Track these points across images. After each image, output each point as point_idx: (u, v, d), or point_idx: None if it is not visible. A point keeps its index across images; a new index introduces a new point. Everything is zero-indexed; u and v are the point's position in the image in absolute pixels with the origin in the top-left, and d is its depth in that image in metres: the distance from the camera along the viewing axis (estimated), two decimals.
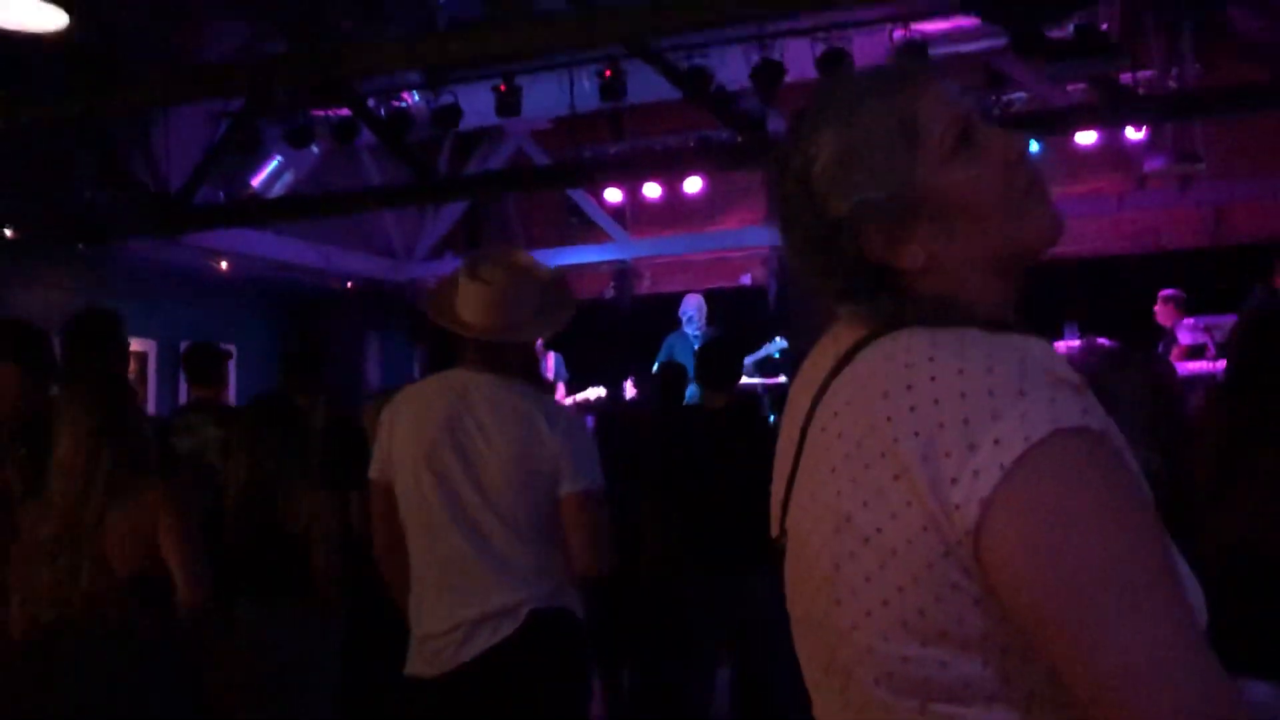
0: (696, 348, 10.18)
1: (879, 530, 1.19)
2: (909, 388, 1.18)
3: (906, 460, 1.15)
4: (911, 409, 1.17)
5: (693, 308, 10.69)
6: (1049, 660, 1.12)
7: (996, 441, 1.10)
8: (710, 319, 10.79)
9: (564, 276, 3.57)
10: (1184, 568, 1.16)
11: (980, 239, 1.30)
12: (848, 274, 1.34)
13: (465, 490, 3.20)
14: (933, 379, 1.17)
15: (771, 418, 7.61)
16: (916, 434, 1.15)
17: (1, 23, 5.51)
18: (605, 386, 10.55)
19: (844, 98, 1.35)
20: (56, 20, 5.51)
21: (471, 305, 3.29)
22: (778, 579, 1.44)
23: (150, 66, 7.83)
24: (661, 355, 10.47)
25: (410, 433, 3.29)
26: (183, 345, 11.43)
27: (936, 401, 1.15)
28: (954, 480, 1.12)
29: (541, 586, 3.20)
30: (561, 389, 10.72)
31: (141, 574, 3.42)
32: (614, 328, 13.20)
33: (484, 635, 3.14)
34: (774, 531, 1.43)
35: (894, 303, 1.31)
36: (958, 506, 1.12)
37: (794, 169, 1.36)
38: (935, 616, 1.16)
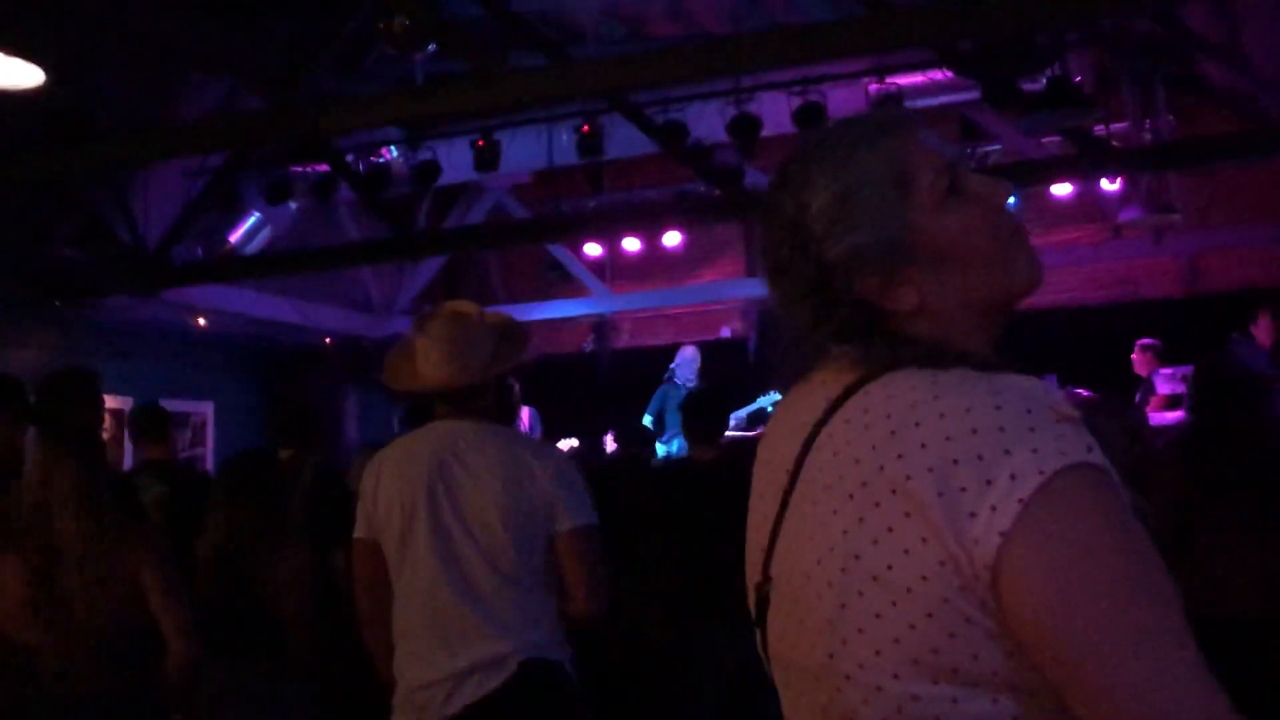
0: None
1: (890, 567, 1.18)
2: (917, 425, 1.19)
3: (920, 496, 1.16)
4: (922, 446, 1.18)
5: (687, 359, 10.70)
6: (1063, 694, 1.12)
7: (1012, 476, 1.11)
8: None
9: (511, 317, 3.59)
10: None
11: (969, 283, 1.33)
12: (841, 317, 1.35)
13: (456, 538, 3.17)
14: (941, 416, 1.18)
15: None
16: (930, 470, 1.16)
17: None
18: (585, 439, 10.53)
19: (835, 146, 1.38)
20: (33, 77, 5.51)
21: (427, 360, 3.30)
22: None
23: (128, 124, 7.84)
24: (653, 406, 10.46)
25: (396, 487, 3.26)
26: (160, 403, 11.48)
27: (948, 438, 1.16)
28: (972, 515, 1.13)
29: (532, 636, 3.16)
30: None
31: (119, 630, 3.36)
32: (593, 381, 13.20)
33: (471, 687, 3.09)
34: (755, 578, 1.43)
35: (887, 345, 1.32)
36: (976, 541, 1.12)
37: (785, 215, 1.38)
38: (948, 653, 1.16)
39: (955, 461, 1.14)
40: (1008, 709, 1.16)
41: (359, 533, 3.37)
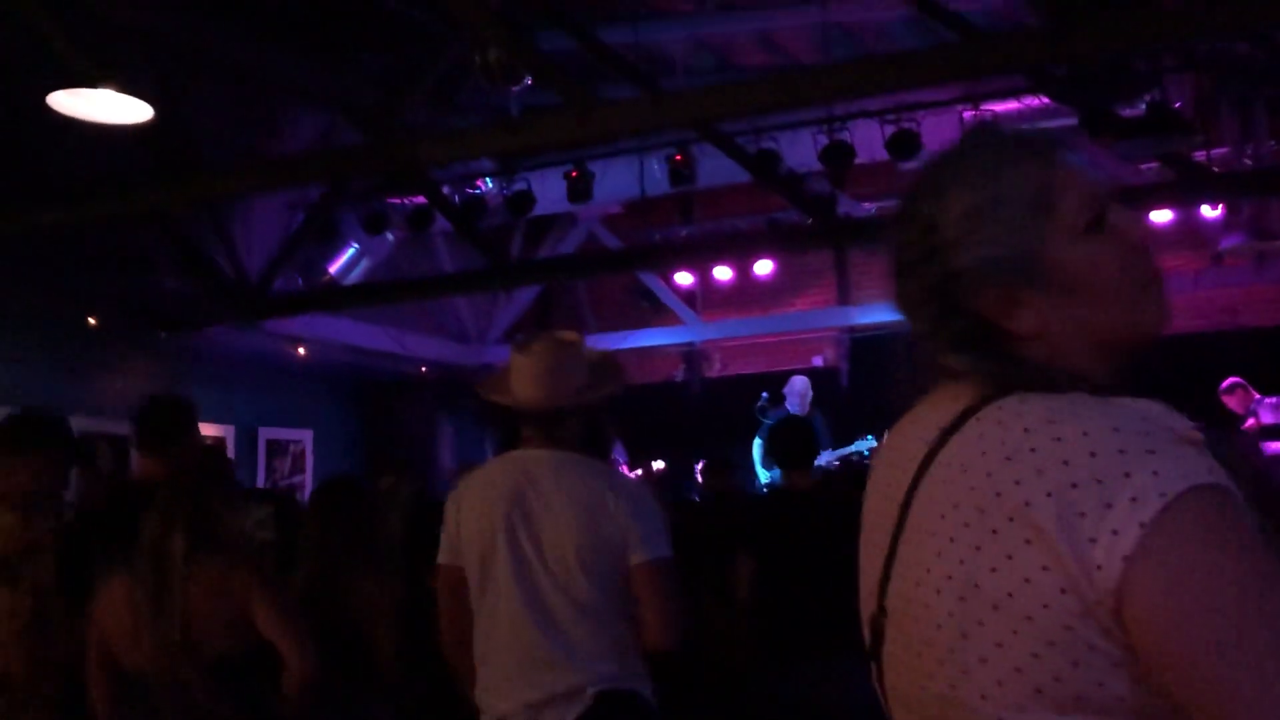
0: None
1: (1010, 595, 1.17)
2: (1033, 450, 1.18)
3: (1040, 523, 1.14)
4: (1039, 472, 1.16)
5: (797, 390, 10.69)
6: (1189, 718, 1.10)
7: (1133, 499, 1.09)
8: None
9: (611, 352, 3.61)
10: None
11: (1093, 318, 1.30)
12: (957, 328, 1.34)
13: (534, 568, 3.18)
14: (1058, 440, 1.16)
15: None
16: (1049, 495, 1.14)
17: (89, 116, 5.68)
18: (674, 468, 10.56)
19: (983, 156, 1.36)
20: (141, 113, 5.67)
21: (522, 379, 3.33)
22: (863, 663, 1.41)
23: (230, 158, 8.04)
24: (761, 434, 10.47)
25: (476, 515, 3.29)
26: (261, 431, 11.72)
27: (1066, 463, 1.14)
28: (1092, 540, 1.11)
29: (609, 667, 3.15)
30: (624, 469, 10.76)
31: (226, 655, 3.40)
32: (684, 410, 13.19)
33: (550, 718, 3.10)
34: (870, 610, 1.40)
35: (999, 364, 1.31)
36: (1099, 567, 1.10)
37: (921, 217, 1.37)
38: (1072, 681, 1.14)
39: (1074, 486, 1.13)
40: None
41: (442, 559, 3.40)
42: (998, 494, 1.19)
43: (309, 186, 9.97)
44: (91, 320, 9.61)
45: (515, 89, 8.89)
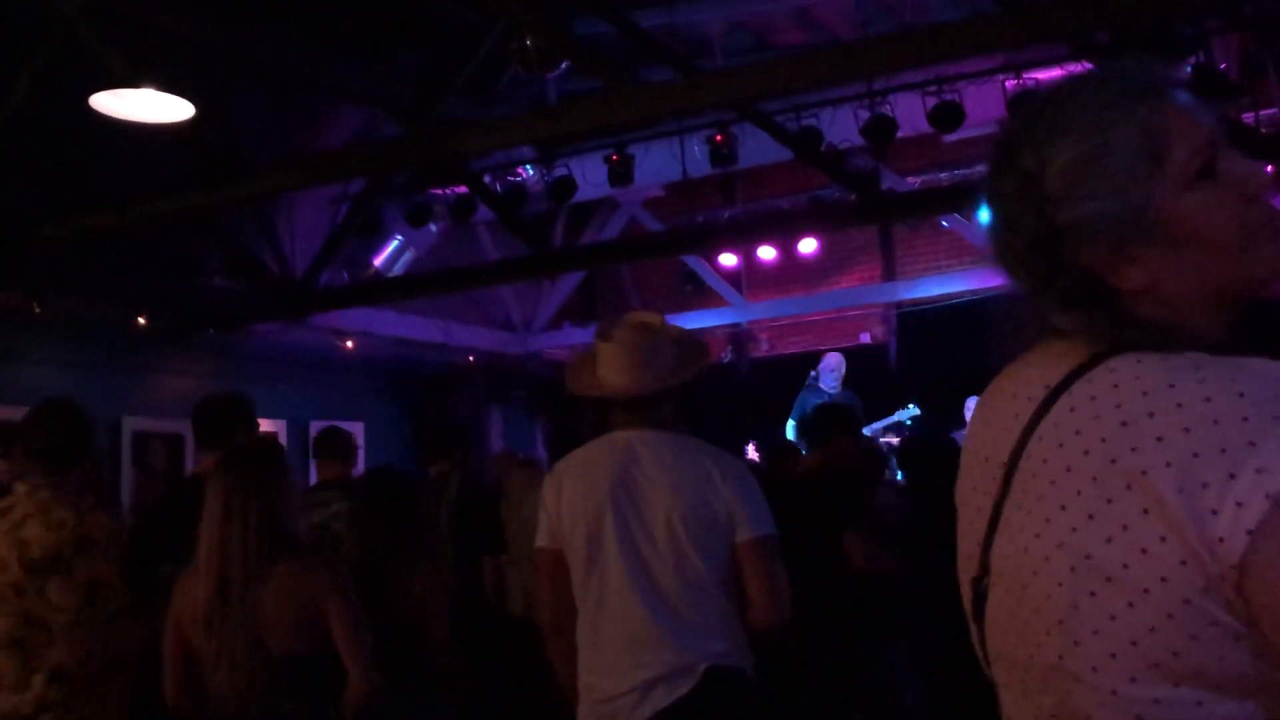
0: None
1: (1125, 567, 1.13)
2: (1151, 415, 1.14)
3: (1159, 492, 1.10)
4: (1159, 439, 1.12)
5: (831, 366, 10.66)
6: None
7: (1259, 470, 1.05)
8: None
9: (691, 331, 3.60)
10: None
11: (1206, 271, 1.25)
12: (1064, 285, 1.28)
13: (642, 546, 3.18)
14: (1179, 405, 1.12)
15: (900, 475, 7.51)
16: (1168, 464, 1.10)
17: (130, 115, 5.73)
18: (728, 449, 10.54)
19: (1088, 103, 1.29)
20: (183, 111, 5.71)
21: (611, 367, 3.33)
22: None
23: (272, 155, 8.07)
24: (795, 412, 10.46)
25: (580, 496, 3.28)
26: (311, 425, 11.80)
27: (1187, 430, 1.10)
28: (1215, 512, 1.06)
29: (717, 644, 3.15)
30: None
31: (294, 654, 3.40)
32: (732, 391, 13.17)
33: (659, 694, 3.09)
34: (971, 572, 1.37)
35: (1110, 321, 1.26)
36: (1221, 540, 1.06)
37: (1024, 168, 1.30)
38: (1191, 656, 1.10)
39: (1195, 455, 1.08)
40: (1259, 711, 1.11)
41: (541, 542, 3.38)
42: (1113, 461, 1.15)
43: (351, 181, 10.01)
44: (141, 321, 9.71)
45: (552, 76, 8.90)
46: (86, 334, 9.54)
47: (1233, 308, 1.27)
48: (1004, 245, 1.34)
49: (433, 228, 11.16)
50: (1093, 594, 1.16)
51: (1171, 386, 1.14)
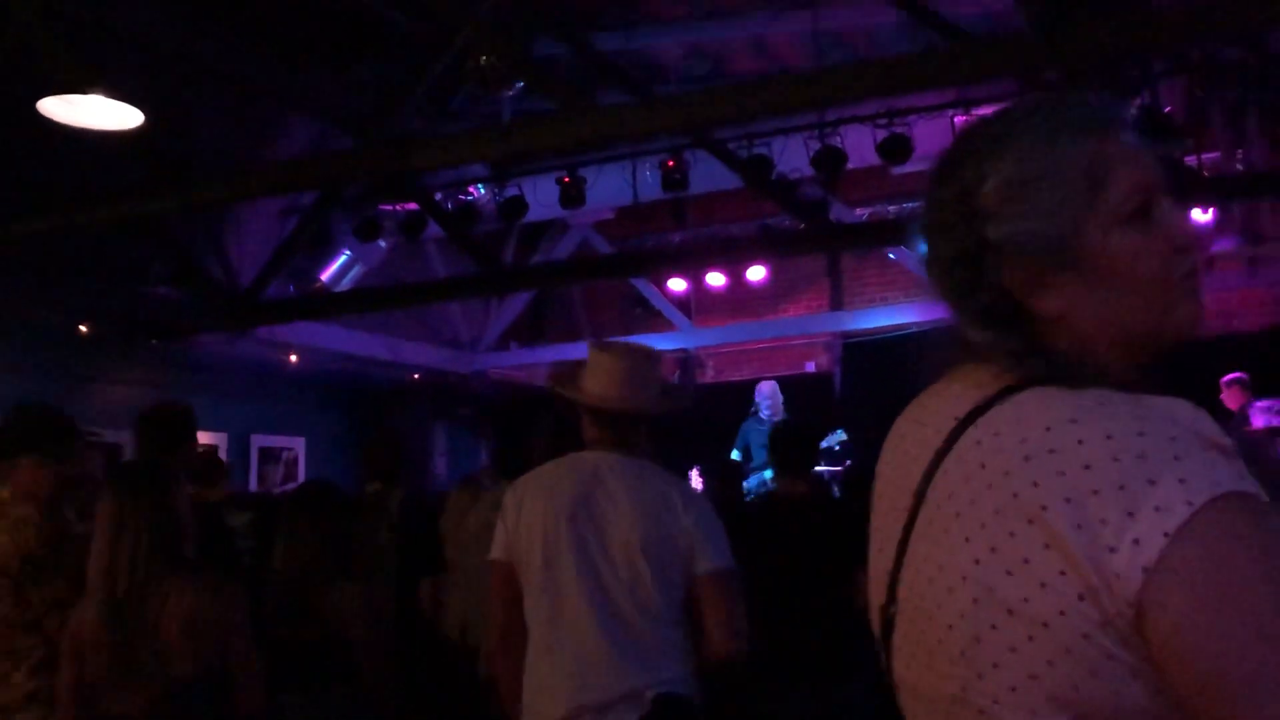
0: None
1: (1026, 600, 1.13)
2: (1052, 451, 1.14)
3: (1058, 528, 1.11)
4: (1060, 474, 1.12)
5: (766, 393, 10.68)
6: None
7: (1157, 508, 1.06)
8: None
9: (681, 383, 3.62)
10: None
11: (1121, 312, 1.26)
12: (982, 300, 1.30)
13: (601, 570, 3.16)
14: (1080, 442, 1.12)
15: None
16: (1068, 500, 1.11)
17: (78, 122, 5.67)
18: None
19: (1037, 126, 1.30)
20: (131, 119, 5.66)
21: (601, 377, 3.33)
22: (871, 687, 1.38)
23: (222, 164, 8.02)
24: (739, 442, 10.45)
25: (540, 514, 3.26)
26: (253, 438, 11.71)
27: (1087, 467, 1.10)
28: (1113, 549, 1.07)
29: (668, 672, 3.13)
30: None
31: (189, 676, 3.32)
32: (678, 417, 13.15)
33: None
34: (880, 599, 1.37)
35: (1021, 345, 1.27)
36: (1118, 576, 1.07)
37: (963, 178, 1.31)
38: (1089, 691, 1.11)
39: (1095, 492, 1.09)
40: None
41: (496, 554, 3.35)
42: (1015, 495, 1.16)
43: (301, 193, 9.96)
44: (83, 329, 9.59)
45: (508, 94, 8.90)
46: (26, 340, 9.41)
47: (1143, 353, 1.28)
48: (933, 253, 1.35)
49: (382, 243, 11.11)
50: (994, 626, 1.17)
51: (1074, 422, 1.15)
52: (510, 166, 10.28)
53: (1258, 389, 9.37)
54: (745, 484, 9.95)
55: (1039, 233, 1.26)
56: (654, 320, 13.66)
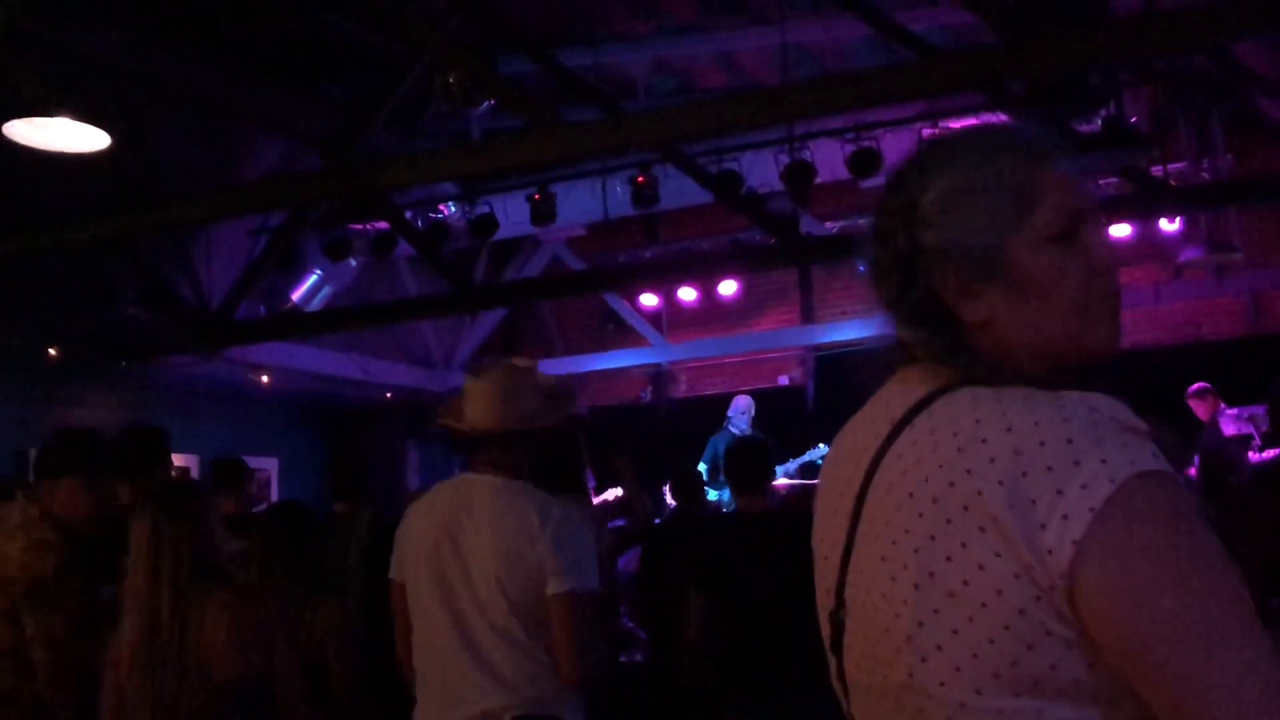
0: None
1: (965, 583, 1.20)
2: (984, 441, 1.21)
3: (993, 510, 1.18)
4: (992, 460, 1.19)
5: (741, 408, 10.70)
6: (1145, 700, 1.14)
7: (1083, 486, 1.13)
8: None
9: (565, 379, 3.65)
10: None
11: (1041, 325, 1.33)
12: (914, 302, 1.38)
13: (459, 590, 3.22)
14: (1009, 430, 1.20)
15: None
16: (1000, 483, 1.18)
17: (45, 144, 5.64)
18: (646, 490, 10.50)
19: (981, 145, 1.40)
20: (98, 141, 5.63)
21: (474, 403, 3.37)
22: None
23: (191, 186, 7.99)
24: (707, 455, 10.46)
25: (415, 535, 3.36)
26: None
27: (1017, 452, 1.18)
28: (1044, 526, 1.14)
29: (529, 692, 3.17)
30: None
31: (242, 679, 3.39)
32: (652, 431, 13.18)
33: None
34: (829, 606, 1.42)
35: (947, 346, 1.36)
36: (1050, 551, 1.14)
37: (909, 188, 1.40)
38: (1029, 665, 1.17)
39: (1025, 474, 1.16)
40: (1092, 717, 1.18)
41: (391, 573, 3.46)
42: (951, 484, 1.23)
43: (271, 213, 9.93)
44: (52, 351, 9.52)
45: (476, 112, 8.91)
46: None
47: (1060, 366, 1.35)
48: (874, 256, 1.44)
49: (352, 262, 11.07)
50: (936, 610, 1.23)
51: (1003, 414, 1.22)
52: (480, 184, 10.27)
53: (1226, 398, 9.45)
54: (717, 495, 9.97)
55: (967, 244, 1.34)
56: (626, 336, 13.66)
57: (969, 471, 1.21)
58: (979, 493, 1.19)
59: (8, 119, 5.46)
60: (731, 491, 5.38)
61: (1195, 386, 9.55)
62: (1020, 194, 1.34)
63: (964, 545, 1.20)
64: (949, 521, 1.22)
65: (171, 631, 3.34)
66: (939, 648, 1.23)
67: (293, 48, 8.94)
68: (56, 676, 3.60)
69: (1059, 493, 1.14)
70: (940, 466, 1.25)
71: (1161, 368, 10.78)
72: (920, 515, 1.26)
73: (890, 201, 1.42)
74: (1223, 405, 9.40)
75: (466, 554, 3.23)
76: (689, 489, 7.14)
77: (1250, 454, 8.85)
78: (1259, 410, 9.19)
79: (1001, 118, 8.75)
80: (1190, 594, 1.11)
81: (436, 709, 3.23)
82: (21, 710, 3.61)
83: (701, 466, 10.28)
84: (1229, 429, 9.19)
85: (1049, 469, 1.15)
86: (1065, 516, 1.13)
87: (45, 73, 5.60)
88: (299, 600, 4.05)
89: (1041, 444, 1.17)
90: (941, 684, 1.23)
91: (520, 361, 3.48)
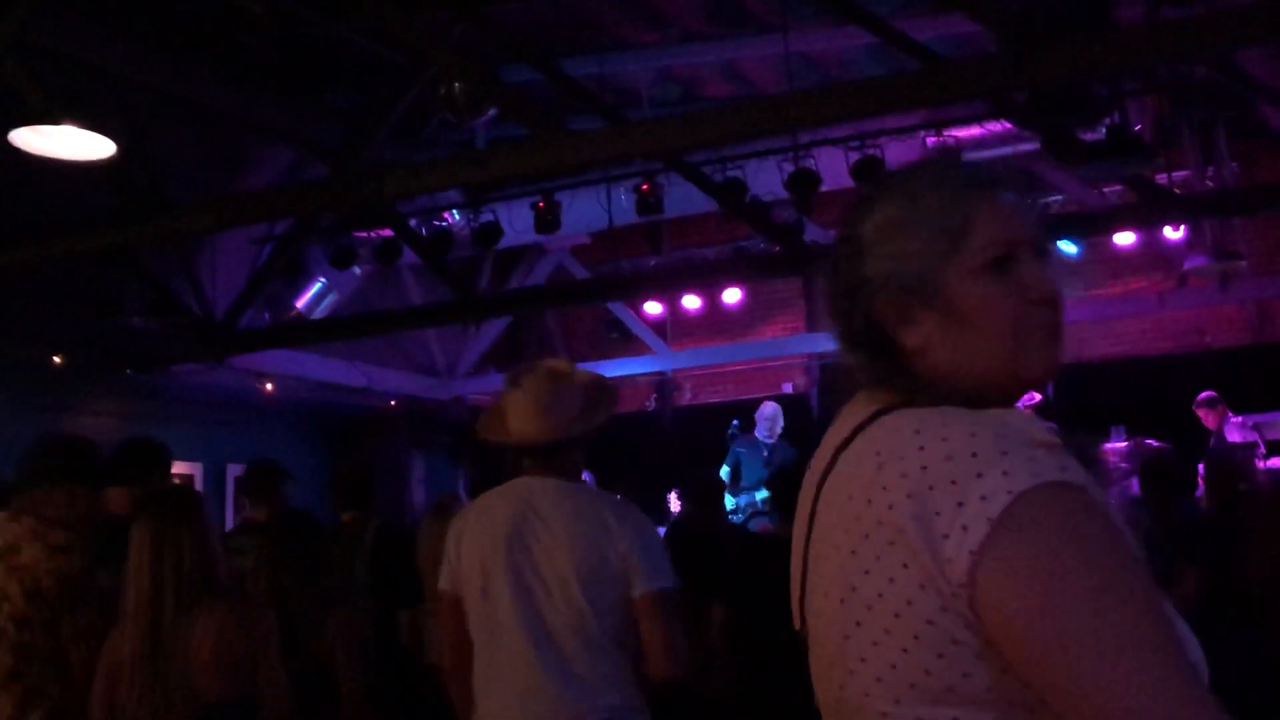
0: (766, 456, 10.16)
1: (880, 596, 1.23)
2: (900, 458, 1.25)
3: (901, 523, 1.21)
4: (903, 475, 1.23)
5: (767, 414, 10.67)
6: (1053, 709, 1.14)
7: (983, 497, 1.16)
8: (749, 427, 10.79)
9: (602, 377, 3.61)
10: (1181, 625, 1.19)
11: (976, 353, 1.36)
12: (856, 326, 1.42)
13: (536, 597, 3.17)
14: (921, 448, 1.23)
15: None
16: (909, 496, 1.21)
17: (51, 153, 5.65)
18: (647, 499, 10.51)
19: (922, 178, 1.44)
20: (104, 149, 5.64)
21: (517, 414, 3.33)
22: None
23: (196, 195, 8.00)
24: (728, 460, 10.44)
25: (478, 542, 3.27)
26: (229, 468, 11.64)
27: (924, 467, 1.21)
28: (945, 536, 1.17)
29: (609, 699, 3.12)
30: None
31: (222, 701, 3.34)
32: (656, 439, 13.18)
33: None
34: (798, 624, 1.46)
35: (886, 369, 1.40)
36: (950, 560, 1.16)
37: (855, 219, 1.45)
38: (940, 674, 1.20)
39: (931, 488, 1.20)
40: None
41: (443, 585, 3.37)
42: (869, 500, 1.27)
43: (275, 222, 9.94)
44: (57, 360, 9.53)
45: (480, 121, 8.92)
46: (0, 371, 9.34)
47: (993, 393, 1.36)
48: (828, 284, 1.49)
49: (356, 270, 11.10)
50: (858, 624, 1.27)
51: (917, 432, 1.26)
52: (485, 192, 10.28)
53: (1231, 406, 9.43)
54: (735, 501, 9.96)
55: (900, 272, 1.38)
56: (631, 344, 13.65)
57: (884, 488, 1.25)
58: (890, 507, 1.23)
59: (13, 127, 5.47)
60: (779, 515, 5.30)
61: (1203, 395, 9.54)
62: (953, 224, 1.37)
63: (878, 559, 1.24)
64: (867, 537, 1.26)
65: (170, 644, 3.32)
66: (862, 660, 1.26)
67: (297, 58, 8.95)
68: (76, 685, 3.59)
69: (960, 504, 1.17)
70: (863, 485, 1.29)
71: (1166, 376, 10.78)
72: (846, 531, 1.30)
73: (842, 232, 1.47)
74: (1230, 414, 9.39)
75: (541, 559, 3.18)
76: (707, 496, 6.98)
77: (1256, 462, 8.85)
78: (1264, 418, 9.19)
79: (1006, 126, 8.77)
80: (1089, 603, 1.11)
81: (510, 718, 3.15)
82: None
83: (724, 471, 10.28)
84: (1234, 437, 9.18)
85: (953, 482, 1.18)
86: (964, 527, 1.16)
87: (51, 82, 5.61)
88: (307, 610, 4.05)
89: (948, 459, 1.20)
90: (866, 695, 1.26)
91: (557, 365, 3.45)
